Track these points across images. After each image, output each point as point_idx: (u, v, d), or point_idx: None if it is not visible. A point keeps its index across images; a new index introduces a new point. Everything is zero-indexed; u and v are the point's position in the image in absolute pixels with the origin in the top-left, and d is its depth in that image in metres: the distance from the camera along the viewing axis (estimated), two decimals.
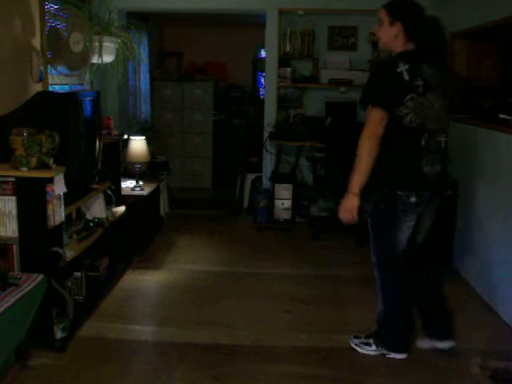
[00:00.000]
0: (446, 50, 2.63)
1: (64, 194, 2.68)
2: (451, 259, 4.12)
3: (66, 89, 3.78)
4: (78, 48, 3.24)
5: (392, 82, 2.43)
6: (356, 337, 2.89)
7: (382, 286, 2.76)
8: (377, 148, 2.45)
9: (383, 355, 2.79)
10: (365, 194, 2.56)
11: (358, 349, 2.84)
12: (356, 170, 2.48)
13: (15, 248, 2.61)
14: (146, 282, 3.71)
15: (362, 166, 2.46)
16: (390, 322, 2.80)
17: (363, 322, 3.17)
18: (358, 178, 2.48)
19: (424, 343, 2.86)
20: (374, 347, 2.82)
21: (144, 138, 4.34)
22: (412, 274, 2.76)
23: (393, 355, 2.79)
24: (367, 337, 2.86)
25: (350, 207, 2.52)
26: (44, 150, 2.58)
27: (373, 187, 2.58)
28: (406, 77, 2.39)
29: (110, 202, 3.60)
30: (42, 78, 3.33)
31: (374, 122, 2.43)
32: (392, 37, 2.50)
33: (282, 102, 5.28)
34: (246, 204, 5.66)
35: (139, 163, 4.25)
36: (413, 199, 2.52)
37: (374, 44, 5.19)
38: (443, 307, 2.84)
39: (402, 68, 2.39)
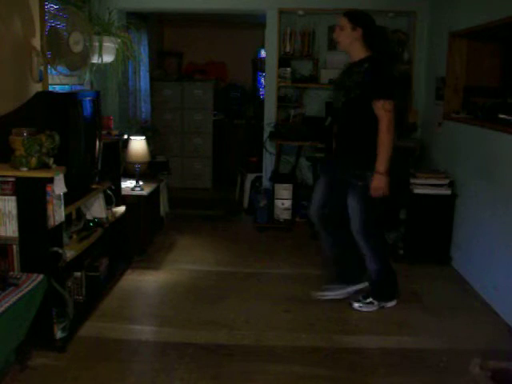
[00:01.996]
0: (396, 55, 3.31)
1: (64, 193, 2.68)
2: (450, 258, 4.13)
3: (66, 89, 3.77)
4: (78, 48, 3.24)
5: (393, 81, 3.08)
6: (356, 300, 3.33)
7: (374, 248, 3.22)
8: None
9: (382, 307, 3.29)
10: (356, 172, 3.09)
11: (362, 309, 3.30)
12: (383, 153, 2.97)
13: (15, 248, 2.61)
14: (146, 282, 3.71)
15: (389, 149, 2.96)
16: (386, 274, 3.30)
17: (363, 322, 3.18)
18: (385, 160, 2.97)
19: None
20: (375, 303, 3.30)
21: (144, 137, 4.34)
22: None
23: (389, 304, 3.32)
24: (365, 297, 3.32)
25: (381, 185, 3.00)
26: (44, 150, 2.58)
27: (365, 168, 3.05)
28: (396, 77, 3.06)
29: (110, 202, 3.60)
30: (42, 78, 3.33)
31: (390, 111, 2.95)
32: (353, 40, 3.03)
33: (282, 101, 5.29)
34: (246, 204, 5.66)
35: (139, 163, 4.24)
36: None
37: None
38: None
39: (394, 71, 3.05)
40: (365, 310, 3.30)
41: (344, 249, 3.42)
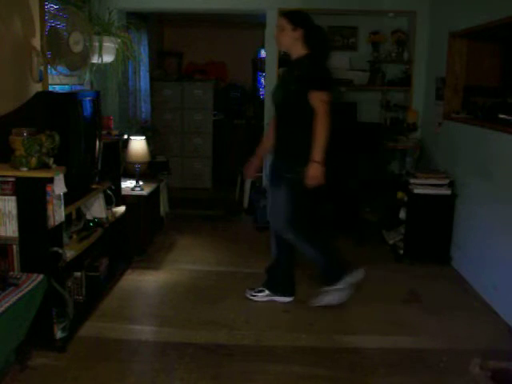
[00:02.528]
0: (330, 54, 3.36)
1: (64, 193, 2.68)
2: (450, 258, 4.13)
3: (66, 89, 3.77)
4: (78, 48, 3.24)
5: (328, 73, 3.14)
6: (322, 293, 3.31)
7: (304, 241, 3.24)
8: None
9: (351, 284, 3.28)
10: (288, 167, 3.11)
11: (333, 302, 3.28)
12: (318, 143, 2.98)
13: (15, 248, 2.61)
14: (146, 282, 3.71)
15: (324, 138, 2.98)
16: (331, 259, 3.32)
17: (363, 322, 3.18)
18: (321, 149, 2.99)
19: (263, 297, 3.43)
20: (340, 285, 3.27)
21: (144, 137, 4.34)
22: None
23: (353, 278, 3.29)
24: (330, 286, 3.31)
25: (317, 174, 3.00)
26: (44, 150, 2.58)
27: (296, 162, 3.07)
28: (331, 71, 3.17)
29: (110, 202, 3.60)
30: (42, 78, 3.33)
31: (326, 102, 2.97)
32: (293, 40, 3.08)
33: None
34: (245, 204, 5.66)
35: (139, 163, 4.24)
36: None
37: (374, 44, 5.21)
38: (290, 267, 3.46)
39: (328, 66, 3.13)
40: (337, 299, 3.28)
41: (287, 255, 3.44)
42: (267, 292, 3.44)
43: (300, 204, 3.17)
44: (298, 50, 3.11)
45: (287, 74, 3.28)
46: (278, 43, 3.20)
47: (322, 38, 3.20)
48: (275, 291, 3.43)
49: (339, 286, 3.28)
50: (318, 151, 2.99)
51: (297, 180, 3.07)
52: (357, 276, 3.30)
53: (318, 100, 2.98)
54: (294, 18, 3.12)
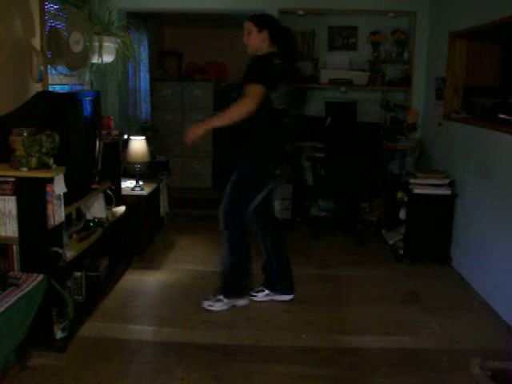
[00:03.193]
0: (297, 51, 3.50)
1: (64, 193, 2.68)
2: (450, 258, 4.13)
3: (66, 89, 3.78)
4: (78, 48, 3.25)
5: (271, 69, 3.03)
6: (206, 299, 3.32)
7: (231, 239, 3.24)
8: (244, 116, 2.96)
9: (233, 306, 3.28)
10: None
11: (212, 309, 3.26)
12: (220, 117, 3.08)
13: (15, 248, 2.61)
14: (145, 282, 3.71)
15: (227, 118, 3.00)
16: (238, 269, 3.30)
17: (363, 322, 3.18)
18: (217, 121, 3.10)
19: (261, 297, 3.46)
20: (225, 301, 3.28)
21: (144, 137, 4.34)
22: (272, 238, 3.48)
23: (240, 303, 3.31)
24: (215, 295, 3.31)
25: (197, 132, 3.06)
26: (44, 150, 2.58)
27: (240, 158, 3.16)
28: (279, 68, 3.04)
29: (110, 202, 3.60)
30: (42, 78, 3.33)
31: (255, 94, 2.92)
32: (261, 42, 3.13)
33: None
34: None
35: (139, 163, 4.24)
36: (277, 172, 3.15)
37: (374, 44, 5.21)
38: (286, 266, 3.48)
39: (277, 61, 3.05)
40: (215, 308, 3.27)
41: (278, 254, 3.48)
42: (267, 291, 3.44)
43: (237, 198, 3.20)
44: (265, 51, 3.13)
45: None
46: (248, 46, 3.22)
47: (288, 38, 3.22)
48: (274, 290, 3.44)
49: (221, 297, 3.29)
50: (216, 119, 3.11)
51: (238, 174, 3.15)
52: (241, 302, 3.32)
53: (250, 89, 2.94)
54: (259, 20, 3.17)
